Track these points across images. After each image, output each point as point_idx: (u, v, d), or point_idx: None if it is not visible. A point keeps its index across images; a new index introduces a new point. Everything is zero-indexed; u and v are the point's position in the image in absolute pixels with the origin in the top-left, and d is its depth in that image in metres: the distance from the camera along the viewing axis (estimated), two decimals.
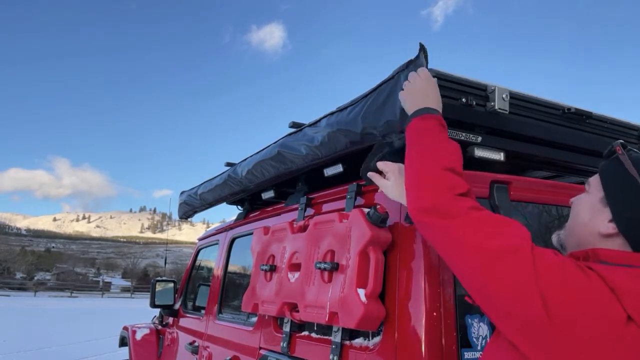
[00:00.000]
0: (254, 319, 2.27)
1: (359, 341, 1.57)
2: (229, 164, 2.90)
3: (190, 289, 3.84)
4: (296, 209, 2.10)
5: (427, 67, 1.38)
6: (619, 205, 1.06)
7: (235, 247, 2.96)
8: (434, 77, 1.37)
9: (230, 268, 2.97)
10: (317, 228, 1.74)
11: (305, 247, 1.77)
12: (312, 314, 1.62)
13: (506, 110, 1.55)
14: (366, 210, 1.52)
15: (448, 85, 1.48)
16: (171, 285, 3.87)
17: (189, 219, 4.07)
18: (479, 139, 1.56)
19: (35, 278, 59.28)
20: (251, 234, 2.36)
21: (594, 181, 1.15)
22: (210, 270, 3.42)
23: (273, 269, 1.96)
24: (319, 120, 1.89)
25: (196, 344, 3.02)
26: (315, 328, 1.80)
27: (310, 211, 2.02)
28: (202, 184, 3.32)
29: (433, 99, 1.30)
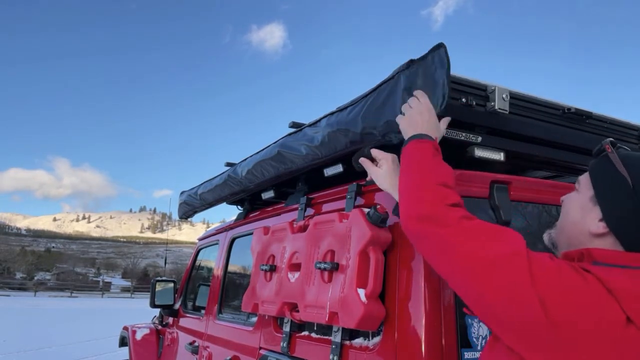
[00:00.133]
0: (254, 319, 2.27)
1: (359, 341, 1.57)
2: (229, 164, 2.90)
3: (190, 289, 3.84)
4: (296, 209, 2.09)
5: (448, 70, 1.35)
6: (608, 204, 1.06)
7: (235, 247, 2.96)
8: None
9: (230, 268, 2.97)
10: (317, 228, 1.73)
11: (305, 247, 1.77)
12: (312, 314, 1.62)
13: (506, 110, 1.54)
14: (366, 210, 1.52)
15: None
16: (171, 285, 3.87)
17: (189, 219, 4.07)
18: (479, 139, 1.56)
19: (35, 278, 59.29)
20: (251, 234, 2.36)
21: (584, 180, 1.15)
22: (210, 270, 3.42)
23: (273, 269, 1.96)
24: (319, 120, 1.88)
25: (196, 344, 3.02)
26: (315, 328, 1.80)
27: (310, 211, 2.02)
28: (202, 184, 3.31)
29: (431, 127, 1.31)
